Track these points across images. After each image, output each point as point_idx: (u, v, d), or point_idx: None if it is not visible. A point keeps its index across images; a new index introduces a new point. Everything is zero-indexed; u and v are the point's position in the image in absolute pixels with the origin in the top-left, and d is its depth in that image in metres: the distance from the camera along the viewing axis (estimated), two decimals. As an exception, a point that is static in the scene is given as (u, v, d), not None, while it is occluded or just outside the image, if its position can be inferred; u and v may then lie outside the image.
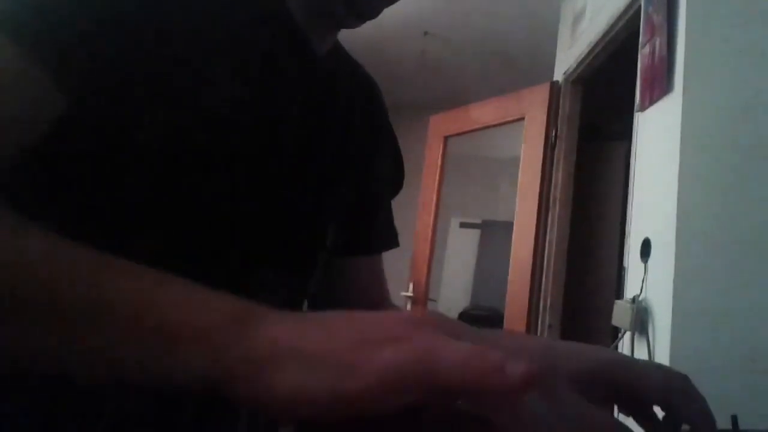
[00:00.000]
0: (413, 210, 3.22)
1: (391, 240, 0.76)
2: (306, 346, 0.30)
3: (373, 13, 0.58)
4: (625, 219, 1.93)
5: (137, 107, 0.46)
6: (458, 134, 3.29)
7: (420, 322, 0.30)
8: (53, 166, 0.46)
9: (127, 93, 0.45)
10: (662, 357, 1.45)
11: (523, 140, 2.83)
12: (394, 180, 0.78)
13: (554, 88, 2.76)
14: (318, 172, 0.62)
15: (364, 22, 0.59)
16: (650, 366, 0.45)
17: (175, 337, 0.32)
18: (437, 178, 3.28)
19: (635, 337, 1.61)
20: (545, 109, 2.72)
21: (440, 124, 3.34)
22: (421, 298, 3.23)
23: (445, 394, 0.27)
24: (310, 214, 0.61)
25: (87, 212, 0.47)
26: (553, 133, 2.70)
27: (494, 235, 4.27)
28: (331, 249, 0.67)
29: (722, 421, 0.51)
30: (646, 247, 1.63)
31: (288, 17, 0.57)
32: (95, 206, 0.47)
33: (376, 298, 0.75)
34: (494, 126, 3.06)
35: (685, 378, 0.45)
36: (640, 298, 1.62)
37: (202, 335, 0.31)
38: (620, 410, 0.47)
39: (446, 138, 3.32)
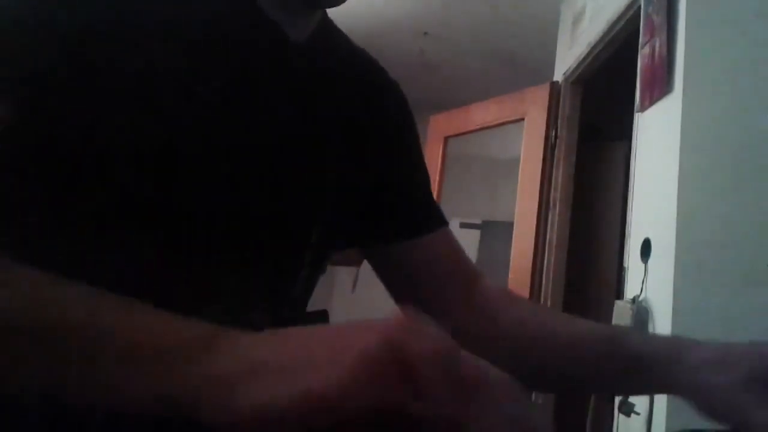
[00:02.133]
0: (413, 210, 3.21)
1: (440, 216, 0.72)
2: (274, 357, 0.29)
3: None
4: (625, 219, 1.93)
5: (97, 110, 0.45)
6: (458, 134, 3.29)
7: (393, 328, 0.29)
8: (20, 169, 0.46)
9: (85, 94, 0.45)
10: (662, 357, 1.45)
11: (523, 140, 2.83)
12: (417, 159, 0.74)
13: (554, 88, 2.76)
14: (304, 164, 0.59)
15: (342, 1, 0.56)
16: None
17: (138, 357, 0.32)
18: (437, 178, 3.27)
19: (635, 337, 1.60)
20: (545, 110, 2.72)
21: (440, 124, 3.34)
22: (421, 299, 3.22)
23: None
24: (294, 212, 0.58)
25: (59, 221, 0.47)
26: (553, 134, 2.70)
27: (494, 235, 4.26)
28: (388, 237, 0.67)
29: (722, 422, 0.51)
30: (646, 248, 1.63)
31: (252, 5, 0.55)
32: (66, 213, 0.47)
33: (464, 273, 0.71)
34: (494, 126, 3.06)
35: None
36: (640, 299, 1.61)
37: (165, 354, 0.31)
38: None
39: (446, 138, 3.31)
